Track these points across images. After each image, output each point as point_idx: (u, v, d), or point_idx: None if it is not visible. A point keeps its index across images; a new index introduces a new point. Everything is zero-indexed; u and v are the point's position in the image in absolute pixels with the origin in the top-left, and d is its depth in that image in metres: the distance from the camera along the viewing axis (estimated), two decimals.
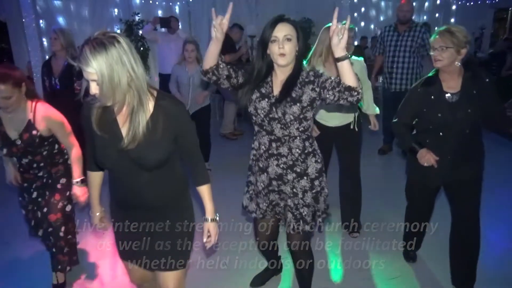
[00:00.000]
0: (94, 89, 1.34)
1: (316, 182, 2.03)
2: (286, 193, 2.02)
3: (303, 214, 2.01)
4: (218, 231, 1.78)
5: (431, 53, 2.21)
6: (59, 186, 2.41)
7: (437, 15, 9.60)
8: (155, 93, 1.52)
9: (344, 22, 1.68)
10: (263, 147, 2.00)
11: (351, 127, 2.97)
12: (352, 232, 3.20)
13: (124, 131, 1.49)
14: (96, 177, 1.80)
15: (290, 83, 1.90)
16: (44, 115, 2.24)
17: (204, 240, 1.75)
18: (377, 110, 3.11)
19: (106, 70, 1.29)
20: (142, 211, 1.62)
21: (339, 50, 1.66)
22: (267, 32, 1.84)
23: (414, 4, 8.28)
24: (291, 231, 2.05)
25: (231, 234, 3.18)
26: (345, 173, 3.16)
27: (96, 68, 1.29)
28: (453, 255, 2.50)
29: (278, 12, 6.51)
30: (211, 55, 1.84)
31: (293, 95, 1.88)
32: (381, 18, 9.27)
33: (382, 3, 9.24)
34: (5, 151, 2.27)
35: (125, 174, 1.55)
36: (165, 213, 1.64)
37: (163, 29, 6.36)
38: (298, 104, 1.87)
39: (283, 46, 1.80)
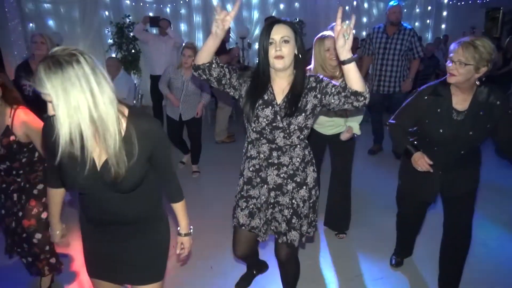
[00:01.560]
0: (50, 110, 1.23)
1: (313, 192, 1.99)
2: (284, 204, 1.93)
3: (303, 224, 1.96)
4: (191, 243, 1.75)
5: (447, 65, 2.00)
6: (35, 191, 2.37)
7: (428, 21, 9.63)
8: (126, 111, 1.40)
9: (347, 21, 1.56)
10: (262, 155, 1.91)
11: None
12: (339, 233, 3.21)
13: (96, 157, 1.39)
14: (57, 194, 1.68)
15: (297, 94, 1.80)
16: (23, 121, 2.20)
17: (178, 251, 1.73)
18: (359, 132, 2.90)
19: (61, 93, 1.16)
20: (115, 227, 1.54)
21: (345, 52, 1.55)
22: (264, 35, 1.75)
23: (405, 2, 8.34)
24: (282, 242, 1.97)
25: (218, 236, 3.18)
26: (336, 176, 3.15)
27: (49, 90, 1.16)
28: (443, 262, 2.48)
29: (268, 13, 6.55)
30: (206, 51, 1.73)
31: (298, 104, 1.80)
32: (374, 12, 9.27)
33: (374, 11, 9.25)
34: None
35: (97, 195, 1.46)
36: (139, 228, 1.57)
37: (154, 31, 6.36)
38: (303, 114, 1.81)
39: (280, 48, 1.72)
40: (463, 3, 9.65)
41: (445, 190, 2.27)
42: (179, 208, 1.68)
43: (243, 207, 2.02)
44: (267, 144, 1.88)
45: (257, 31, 8.04)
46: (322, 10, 8.08)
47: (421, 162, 2.15)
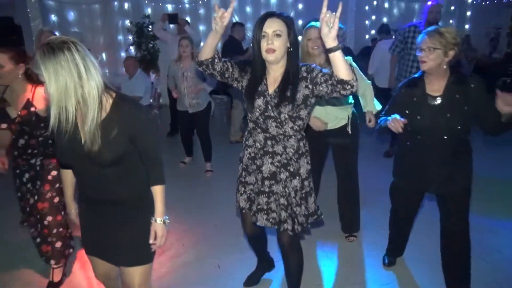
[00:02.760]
0: (44, 89, 1.45)
1: (306, 183, 2.03)
2: (278, 192, 2.01)
3: (297, 213, 2.01)
4: (165, 233, 1.76)
5: (417, 54, 2.13)
6: (49, 177, 2.51)
7: (451, 21, 9.41)
8: (113, 95, 1.58)
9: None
10: (258, 144, 2.01)
11: (347, 129, 2.91)
12: (350, 236, 3.17)
13: (82, 133, 1.57)
14: (69, 175, 1.84)
15: (286, 83, 1.88)
16: (45, 96, 2.36)
17: (151, 241, 1.74)
18: (378, 107, 2.96)
19: (52, 74, 1.39)
20: (107, 205, 1.68)
21: (330, 40, 1.58)
22: (257, 28, 1.83)
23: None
24: (284, 230, 2.02)
25: (227, 235, 3.21)
26: (342, 177, 3.12)
27: (43, 71, 1.39)
28: (445, 266, 2.46)
29: (287, 12, 6.42)
30: (208, 47, 1.85)
31: (288, 93, 1.87)
32: (395, 11, 9.12)
33: (395, 11, 9.09)
34: (4, 126, 2.42)
35: (86, 171, 1.62)
36: (129, 208, 1.69)
37: (171, 28, 6.44)
38: (293, 103, 1.87)
39: (272, 41, 1.79)
40: (487, 2, 9.38)
41: (437, 187, 2.27)
42: (157, 192, 1.72)
43: (242, 192, 2.16)
44: (262, 134, 1.98)
45: None
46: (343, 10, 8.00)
47: (394, 119, 2.17)
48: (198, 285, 2.66)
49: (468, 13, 9.57)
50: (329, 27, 1.57)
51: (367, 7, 8.78)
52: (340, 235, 3.21)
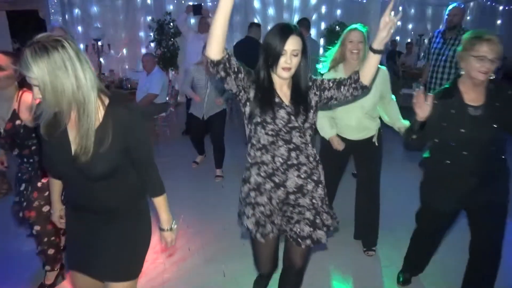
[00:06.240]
0: (36, 94, 1.27)
1: (325, 190, 2.00)
2: (305, 205, 1.90)
3: (327, 219, 1.96)
4: (174, 237, 1.75)
5: (477, 64, 1.90)
6: (39, 184, 2.36)
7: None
8: (106, 100, 1.42)
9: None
10: (279, 159, 1.86)
11: (373, 140, 2.80)
12: (368, 250, 3.03)
13: (72, 141, 1.42)
14: (57, 183, 1.79)
15: (303, 93, 1.88)
16: (29, 104, 2.17)
17: (162, 245, 1.77)
18: (406, 123, 2.74)
19: (47, 76, 1.22)
20: (94, 214, 1.54)
21: (383, 43, 1.70)
22: (278, 43, 1.73)
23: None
24: (314, 241, 1.90)
25: (232, 241, 3.13)
26: (363, 188, 3.00)
27: (36, 74, 1.21)
28: (467, 284, 2.30)
29: (309, 16, 6.32)
30: (217, 30, 1.58)
31: (305, 102, 1.89)
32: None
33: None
34: None
35: (74, 181, 1.49)
36: (118, 218, 1.56)
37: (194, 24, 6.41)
38: (311, 111, 1.90)
39: (290, 60, 1.75)
40: None
41: (476, 197, 2.09)
42: (160, 202, 1.64)
43: (249, 215, 1.95)
44: (284, 146, 1.85)
45: None
46: (363, 14, 7.81)
47: (418, 99, 1.95)
48: None
49: (499, 22, 9.26)
50: (390, 31, 1.66)
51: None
52: (358, 249, 3.06)
